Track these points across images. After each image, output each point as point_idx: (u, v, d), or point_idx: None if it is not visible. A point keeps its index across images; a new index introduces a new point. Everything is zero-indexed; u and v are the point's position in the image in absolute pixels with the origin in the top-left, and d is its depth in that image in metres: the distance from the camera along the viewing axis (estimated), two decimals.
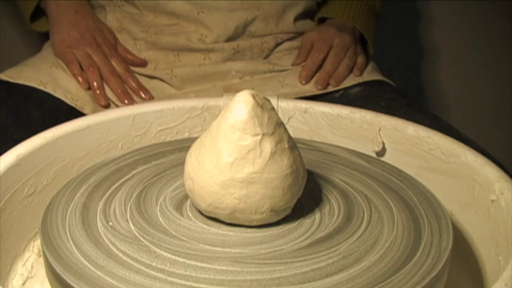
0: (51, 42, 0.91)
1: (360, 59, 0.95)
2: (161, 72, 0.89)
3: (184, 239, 0.47)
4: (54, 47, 0.90)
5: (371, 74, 0.93)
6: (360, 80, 0.92)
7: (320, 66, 0.92)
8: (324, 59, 0.92)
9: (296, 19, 0.96)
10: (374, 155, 0.65)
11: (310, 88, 0.90)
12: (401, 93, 0.92)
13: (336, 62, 0.92)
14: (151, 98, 0.87)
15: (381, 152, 0.66)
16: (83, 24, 0.91)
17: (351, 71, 0.93)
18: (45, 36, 0.98)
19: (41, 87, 0.83)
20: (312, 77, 0.91)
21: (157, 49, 0.91)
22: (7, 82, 0.85)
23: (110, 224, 0.49)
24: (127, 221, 0.49)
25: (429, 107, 1.42)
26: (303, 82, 0.91)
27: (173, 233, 0.48)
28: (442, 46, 1.42)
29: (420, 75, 1.46)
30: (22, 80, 0.84)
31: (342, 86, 0.91)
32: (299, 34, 0.97)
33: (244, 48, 0.91)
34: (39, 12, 0.96)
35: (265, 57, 0.94)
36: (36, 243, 0.58)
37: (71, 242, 0.46)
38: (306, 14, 0.99)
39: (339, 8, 0.98)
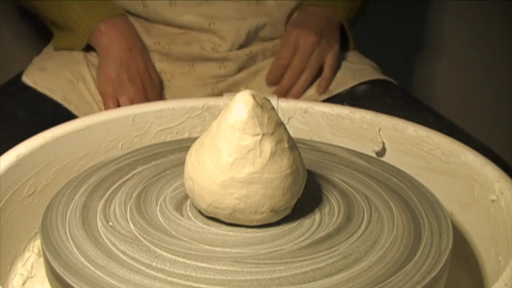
0: (98, 75, 0.87)
1: (327, 69, 0.91)
2: None
3: (184, 239, 0.47)
4: (99, 81, 0.86)
5: (374, 74, 0.94)
6: (367, 78, 0.92)
7: (284, 71, 0.92)
8: (287, 65, 0.91)
9: None
10: (374, 155, 0.65)
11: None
12: (405, 92, 0.93)
13: (295, 75, 0.90)
14: None
15: (381, 152, 0.66)
16: (134, 66, 0.86)
17: (314, 79, 0.92)
18: (43, 38, 0.97)
19: (65, 104, 0.82)
20: (276, 83, 0.92)
21: (171, 60, 0.90)
22: (17, 79, 0.84)
23: (110, 224, 0.49)
24: (127, 221, 0.49)
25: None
26: (268, 87, 0.92)
27: (173, 233, 0.48)
28: (442, 46, 1.42)
29: (421, 75, 1.46)
30: (47, 90, 0.82)
31: (343, 88, 0.91)
32: None
33: (257, 53, 0.92)
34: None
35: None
36: (36, 243, 0.58)
37: (71, 242, 0.46)
38: None
39: None
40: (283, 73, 0.91)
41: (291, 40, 0.91)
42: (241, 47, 0.91)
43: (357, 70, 0.94)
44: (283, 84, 0.91)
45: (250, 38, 0.92)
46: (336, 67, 0.93)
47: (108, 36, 0.87)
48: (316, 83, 0.92)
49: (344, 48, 0.97)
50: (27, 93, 0.83)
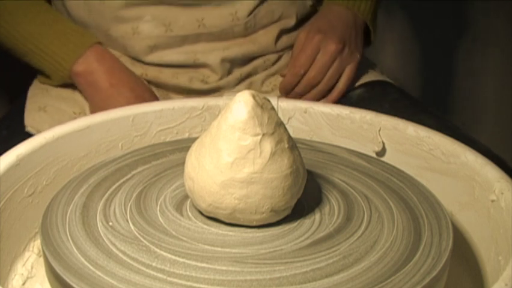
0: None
1: (342, 81, 0.87)
2: None
3: (184, 239, 0.47)
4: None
5: (372, 75, 0.92)
6: (362, 81, 0.91)
7: (300, 79, 0.88)
8: (304, 74, 0.87)
9: (292, 35, 0.92)
10: (374, 155, 0.65)
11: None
12: (404, 94, 0.91)
13: (310, 86, 0.87)
14: None
15: (381, 152, 0.66)
16: (123, 99, 0.80)
17: (331, 89, 0.88)
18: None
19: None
20: (289, 91, 0.88)
21: (162, 87, 0.88)
22: (11, 120, 0.82)
23: (110, 224, 0.49)
24: (127, 221, 0.49)
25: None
26: (280, 95, 0.88)
27: (173, 233, 0.48)
28: (442, 45, 1.42)
29: (420, 75, 1.46)
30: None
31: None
32: None
33: (248, 73, 0.90)
34: None
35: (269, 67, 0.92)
36: (36, 243, 0.58)
37: (71, 242, 0.46)
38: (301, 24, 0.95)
39: None
40: (299, 81, 0.87)
41: (312, 46, 0.85)
42: (230, 73, 0.88)
43: None
44: (295, 94, 0.87)
45: (238, 63, 0.89)
46: (354, 78, 0.89)
47: (85, 78, 0.82)
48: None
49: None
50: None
